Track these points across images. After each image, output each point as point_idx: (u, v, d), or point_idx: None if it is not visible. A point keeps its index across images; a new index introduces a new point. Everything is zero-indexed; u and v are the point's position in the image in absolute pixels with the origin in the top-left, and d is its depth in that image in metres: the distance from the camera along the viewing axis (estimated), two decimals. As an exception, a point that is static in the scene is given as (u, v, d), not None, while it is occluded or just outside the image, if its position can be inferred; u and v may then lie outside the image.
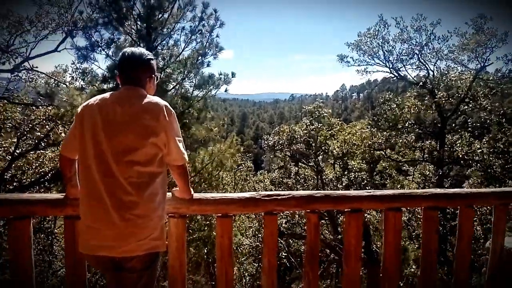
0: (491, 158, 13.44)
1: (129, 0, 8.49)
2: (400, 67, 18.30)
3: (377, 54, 18.13)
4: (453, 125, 16.73)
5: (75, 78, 12.22)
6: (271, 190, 16.15)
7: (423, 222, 3.55)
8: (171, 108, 2.51)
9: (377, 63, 18.54)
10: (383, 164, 17.82)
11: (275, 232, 3.28)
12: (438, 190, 3.59)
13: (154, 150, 2.39)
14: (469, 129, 15.28)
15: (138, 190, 2.34)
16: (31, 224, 2.93)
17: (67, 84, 11.72)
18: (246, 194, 3.20)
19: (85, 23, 8.62)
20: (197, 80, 9.46)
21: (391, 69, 18.42)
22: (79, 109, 2.50)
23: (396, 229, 3.43)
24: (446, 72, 16.98)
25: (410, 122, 16.20)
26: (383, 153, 16.88)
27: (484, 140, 14.42)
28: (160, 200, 2.48)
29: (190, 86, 9.59)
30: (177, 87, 9.20)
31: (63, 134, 11.57)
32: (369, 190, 3.52)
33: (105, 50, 8.64)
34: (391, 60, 18.17)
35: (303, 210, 3.32)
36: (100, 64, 9.19)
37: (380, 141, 16.36)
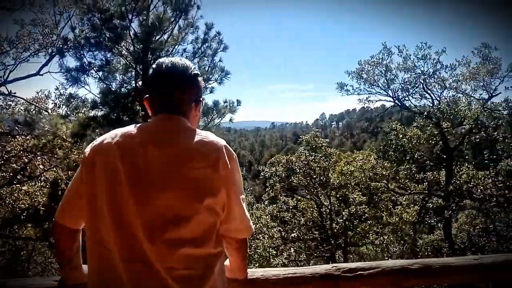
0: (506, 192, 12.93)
1: (124, 19, 7.62)
2: (403, 96, 17.89)
3: (377, 83, 17.69)
4: (464, 156, 16.31)
5: (58, 105, 11.19)
6: (272, 227, 14.96)
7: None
8: (232, 150, 1.60)
9: (378, 92, 18.09)
10: (381, 197, 17.12)
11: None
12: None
13: (211, 218, 1.50)
14: (485, 161, 14.82)
15: None
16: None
17: (49, 111, 10.61)
18: (320, 269, 2.32)
19: (75, 43, 7.65)
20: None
21: (394, 98, 17.95)
22: (87, 151, 1.54)
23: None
24: (452, 102, 16.56)
25: (419, 154, 15.69)
26: (385, 185, 16.20)
27: (494, 172, 13.98)
28: None
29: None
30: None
31: (41, 166, 10.35)
32: (475, 256, 2.66)
33: (98, 73, 7.69)
34: (393, 89, 17.77)
35: (395, 288, 2.45)
36: (90, 88, 8.25)
37: (384, 173, 15.72)
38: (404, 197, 18.09)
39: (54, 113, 9.14)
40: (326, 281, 2.25)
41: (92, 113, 8.15)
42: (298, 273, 2.25)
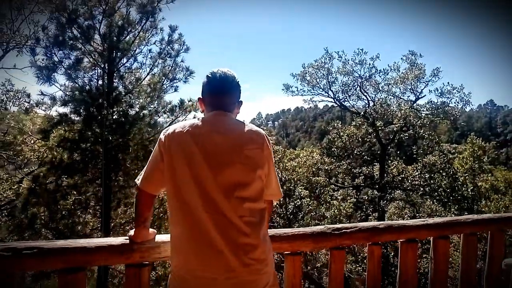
0: (433, 182, 14.74)
1: (88, 19, 7.77)
2: (342, 97, 19.42)
3: (319, 85, 18.98)
4: (397, 152, 18.09)
5: (4, 101, 10.85)
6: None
7: (463, 248, 3.65)
8: (268, 136, 2.30)
9: (320, 93, 19.45)
10: (322, 190, 18.44)
11: (342, 268, 3.16)
12: (476, 216, 3.76)
13: (261, 184, 2.14)
14: (414, 156, 16.63)
15: (253, 230, 2.05)
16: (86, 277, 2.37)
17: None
18: (316, 229, 3.04)
19: (45, 41, 7.66)
20: (162, 106, 8.94)
21: (334, 99, 19.42)
22: (162, 138, 2.11)
23: (446, 258, 3.49)
24: (385, 103, 18.29)
25: (359, 150, 17.19)
26: (327, 179, 17.53)
27: (420, 165, 15.82)
28: (270, 240, 2.24)
29: (156, 112, 9.02)
30: (144, 112, 8.56)
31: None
32: (423, 219, 3.55)
33: (68, 71, 7.76)
34: (334, 91, 19.24)
35: (368, 243, 3.23)
36: (58, 86, 8.19)
37: (326, 168, 16.99)
38: (340, 191, 19.59)
39: (16, 111, 8.94)
40: (320, 237, 2.99)
41: (53, 110, 8.23)
42: (301, 231, 2.96)
